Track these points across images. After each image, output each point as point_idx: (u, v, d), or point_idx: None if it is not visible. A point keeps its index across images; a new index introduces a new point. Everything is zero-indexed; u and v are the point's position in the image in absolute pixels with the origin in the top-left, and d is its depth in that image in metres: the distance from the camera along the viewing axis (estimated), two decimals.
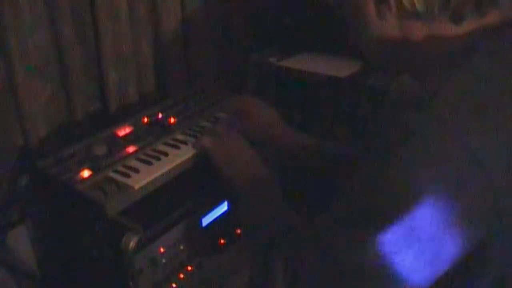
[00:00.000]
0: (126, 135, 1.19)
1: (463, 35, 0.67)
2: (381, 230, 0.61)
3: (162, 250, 1.02)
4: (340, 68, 1.43)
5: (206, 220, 1.11)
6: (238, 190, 0.97)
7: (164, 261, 1.03)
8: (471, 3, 0.65)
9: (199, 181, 1.12)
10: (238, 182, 0.97)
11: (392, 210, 0.61)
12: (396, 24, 0.70)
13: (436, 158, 0.60)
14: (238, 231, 1.21)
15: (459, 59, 0.65)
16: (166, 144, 1.15)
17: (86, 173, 1.04)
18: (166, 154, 1.10)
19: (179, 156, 1.10)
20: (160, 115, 1.27)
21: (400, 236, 0.61)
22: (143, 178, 1.03)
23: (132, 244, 0.96)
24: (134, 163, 1.08)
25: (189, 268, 1.10)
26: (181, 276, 1.09)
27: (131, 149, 1.13)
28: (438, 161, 0.59)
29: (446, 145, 0.59)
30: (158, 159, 1.09)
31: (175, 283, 1.08)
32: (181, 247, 1.06)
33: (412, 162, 0.60)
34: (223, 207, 1.15)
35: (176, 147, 1.13)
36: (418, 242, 0.61)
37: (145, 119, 1.25)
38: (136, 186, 1.00)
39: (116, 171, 1.05)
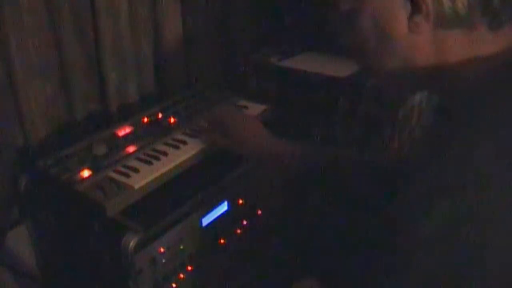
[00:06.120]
0: (126, 135, 1.19)
1: (502, 48, 0.61)
2: None
3: (162, 250, 1.02)
4: (340, 68, 1.43)
5: (206, 220, 1.11)
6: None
7: (164, 261, 1.03)
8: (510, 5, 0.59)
9: (199, 181, 1.12)
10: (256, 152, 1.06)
11: None
12: (430, 37, 0.62)
13: None
14: (238, 231, 1.21)
15: (501, 83, 0.59)
16: (166, 144, 1.15)
17: (86, 173, 1.04)
18: (166, 154, 1.10)
19: (179, 156, 1.10)
20: (160, 115, 1.27)
21: None
22: (143, 178, 1.03)
23: (132, 244, 0.95)
24: (134, 163, 1.08)
25: (189, 268, 1.10)
26: (181, 276, 1.09)
27: (131, 149, 1.13)
28: None
29: None
30: (158, 159, 1.09)
31: (175, 283, 1.08)
32: (181, 247, 1.06)
33: None
34: (223, 207, 1.15)
35: (176, 147, 1.13)
36: None
37: (145, 119, 1.25)
38: (136, 186, 1.01)
39: (116, 171, 1.05)
